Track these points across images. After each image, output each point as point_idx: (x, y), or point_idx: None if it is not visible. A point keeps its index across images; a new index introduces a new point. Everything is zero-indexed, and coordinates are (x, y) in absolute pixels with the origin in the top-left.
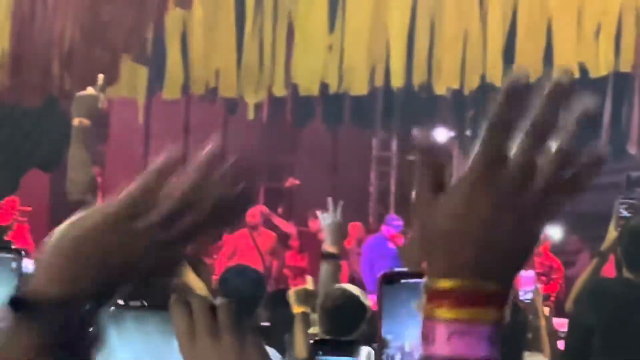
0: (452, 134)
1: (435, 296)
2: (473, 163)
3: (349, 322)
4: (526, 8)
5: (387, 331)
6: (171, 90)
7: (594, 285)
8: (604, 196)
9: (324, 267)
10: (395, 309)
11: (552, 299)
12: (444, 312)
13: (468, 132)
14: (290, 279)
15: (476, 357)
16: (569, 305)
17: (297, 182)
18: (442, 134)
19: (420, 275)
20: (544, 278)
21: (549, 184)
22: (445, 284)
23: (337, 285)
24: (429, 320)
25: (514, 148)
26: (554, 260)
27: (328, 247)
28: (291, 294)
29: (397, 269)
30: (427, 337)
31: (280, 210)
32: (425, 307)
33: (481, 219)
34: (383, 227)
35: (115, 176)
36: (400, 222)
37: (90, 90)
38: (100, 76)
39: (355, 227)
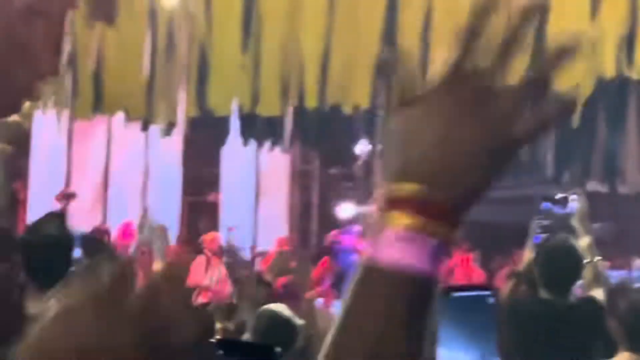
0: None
1: (388, 202)
2: (442, 75)
3: (280, 342)
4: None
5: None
6: (82, 110)
7: (512, 305)
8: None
9: (259, 291)
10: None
11: None
12: (394, 218)
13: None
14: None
15: (418, 268)
16: None
17: (219, 195)
18: (363, 148)
19: (473, 289)
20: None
21: (515, 103)
22: (399, 190)
23: (267, 307)
24: (379, 224)
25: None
26: (475, 271)
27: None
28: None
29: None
30: (373, 241)
31: (202, 224)
32: (377, 211)
33: (440, 125)
34: (346, 238)
35: (37, 190)
36: (359, 229)
37: (14, 117)
38: (27, 104)
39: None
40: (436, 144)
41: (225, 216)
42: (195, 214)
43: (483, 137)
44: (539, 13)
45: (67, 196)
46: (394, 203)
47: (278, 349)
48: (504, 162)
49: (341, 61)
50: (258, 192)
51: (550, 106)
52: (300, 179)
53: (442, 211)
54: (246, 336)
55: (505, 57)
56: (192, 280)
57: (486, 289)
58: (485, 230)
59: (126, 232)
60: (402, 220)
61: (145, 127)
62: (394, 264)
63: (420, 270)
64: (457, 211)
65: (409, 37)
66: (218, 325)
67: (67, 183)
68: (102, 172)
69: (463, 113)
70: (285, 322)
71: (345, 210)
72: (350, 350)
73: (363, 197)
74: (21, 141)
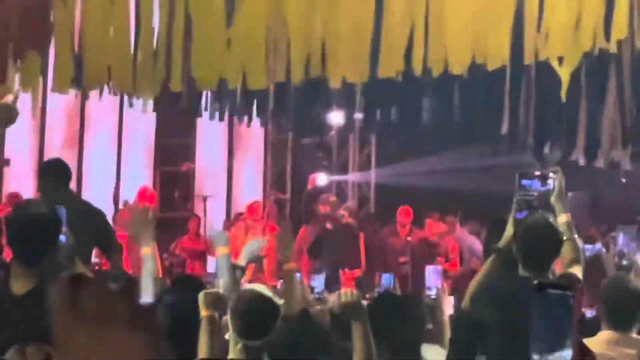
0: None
1: None
2: None
3: (262, 324)
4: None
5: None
6: (59, 84)
7: (491, 283)
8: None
9: (237, 274)
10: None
11: (449, 281)
12: None
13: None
14: (188, 262)
15: None
16: (465, 302)
17: (193, 166)
18: (337, 118)
19: (565, 287)
20: (441, 259)
21: None
22: None
23: (247, 287)
24: None
25: None
26: (450, 241)
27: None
28: (200, 296)
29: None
30: None
31: (176, 194)
32: None
33: None
34: (320, 208)
35: (14, 170)
36: (334, 198)
37: (5, 99)
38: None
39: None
40: None
41: (199, 186)
42: (169, 184)
43: None
44: None
45: None
46: None
47: None
48: None
49: (326, 34)
50: (231, 162)
51: None
52: (273, 148)
53: None
54: (225, 318)
55: None
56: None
57: (570, 289)
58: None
59: (144, 195)
60: None
61: (130, 103)
62: None
63: None
64: None
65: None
66: (204, 313)
67: (41, 157)
68: (77, 145)
69: None
70: (266, 303)
71: (318, 179)
72: None
73: (336, 167)
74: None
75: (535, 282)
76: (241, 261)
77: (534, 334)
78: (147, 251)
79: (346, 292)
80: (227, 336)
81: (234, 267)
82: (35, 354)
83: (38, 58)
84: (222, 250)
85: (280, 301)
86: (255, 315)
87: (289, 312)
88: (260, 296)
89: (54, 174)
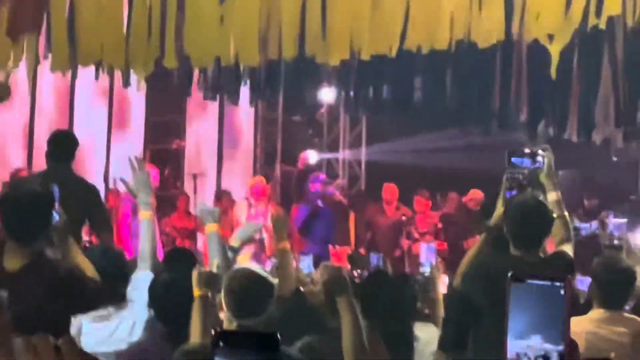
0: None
1: None
2: None
3: (256, 303)
4: None
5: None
6: (58, 63)
7: (482, 261)
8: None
9: (230, 255)
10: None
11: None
12: None
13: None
14: (178, 241)
15: None
16: (457, 280)
17: (183, 143)
18: (328, 95)
19: (548, 278)
20: (429, 237)
21: None
22: None
23: (241, 266)
24: None
25: None
26: (436, 219)
27: (232, 241)
28: (194, 275)
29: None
30: None
31: (167, 171)
32: None
33: None
34: (311, 186)
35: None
36: (324, 177)
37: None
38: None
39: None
40: None
41: (189, 164)
42: (159, 162)
43: None
44: None
45: None
46: None
47: (278, 336)
48: None
49: (319, 11)
50: (222, 140)
51: None
52: (263, 126)
53: None
54: (218, 298)
55: None
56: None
57: (560, 280)
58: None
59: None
60: None
61: (127, 82)
62: None
63: None
64: None
65: None
66: (197, 293)
67: (31, 135)
68: (67, 124)
69: None
70: (260, 282)
71: (309, 157)
72: None
73: (327, 145)
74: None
75: (510, 273)
76: (234, 242)
77: (513, 327)
78: (147, 215)
79: (326, 265)
80: (221, 315)
81: (226, 247)
82: (43, 346)
83: (34, 37)
84: (211, 227)
85: (274, 280)
86: (249, 294)
87: (283, 292)
88: (254, 275)
89: (58, 146)
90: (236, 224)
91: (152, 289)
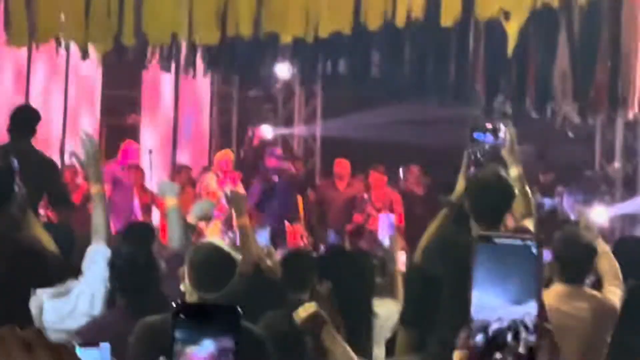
0: (292, 70)
1: None
2: None
3: (218, 277)
4: None
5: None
6: (16, 39)
7: (443, 236)
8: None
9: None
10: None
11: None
12: None
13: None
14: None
15: None
16: (417, 254)
17: (139, 118)
18: (283, 70)
19: (514, 236)
20: (386, 212)
21: None
22: None
23: (206, 240)
24: None
25: None
26: (392, 194)
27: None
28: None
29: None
30: None
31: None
32: None
33: None
34: (267, 160)
35: None
36: (280, 151)
37: None
38: None
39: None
40: None
41: (145, 138)
42: (114, 136)
43: None
44: None
45: None
46: None
47: (239, 309)
48: None
49: None
50: (177, 114)
51: None
52: (219, 101)
53: None
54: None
55: None
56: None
57: (531, 239)
58: (415, 151)
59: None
60: None
61: (84, 56)
62: None
63: None
64: None
65: None
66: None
67: None
68: (23, 97)
69: None
70: (223, 256)
71: (264, 132)
72: None
73: (282, 120)
74: None
75: (478, 234)
76: (191, 219)
77: (481, 292)
78: (97, 189)
79: (305, 308)
80: (182, 287)
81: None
82: (10, 338)
83: None
84: (171, 201)
85: (237, 256)
86: (212, 268)
87: (244, 267)
88: (218, 249)
89: (19, 120)
90: (211, 195)
91: (112, 262)
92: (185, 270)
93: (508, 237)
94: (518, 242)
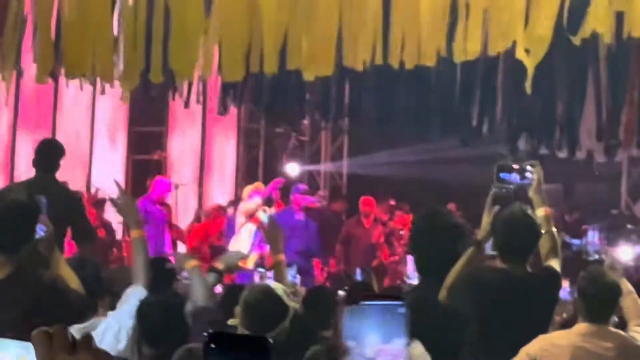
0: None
1: None
2: None
3: (269, 319)
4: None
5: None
6: (42, 75)
7: (470, 274)
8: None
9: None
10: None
11: None
12: None
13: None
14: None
15: None
16: (442, 293)
17: (165, 154)
18: (311, 107)
19: (382, 297)
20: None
21: None
22: None
23: (262, 283)
24: None
25: None
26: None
27: (218, 263)
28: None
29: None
30: None
31: (148, 182)
32: None
33: None
34: (292, 197)
35: None
36: (306, 187)
37: None
38: None
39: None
40: None
41: (171, 174)
42: (141, 172)
43: None
44: None
45: None
46: None
47: (270, 340)
48: None
49: (300, 27)
50: (204, 150)
51: None
52: (246, 137)
53: None
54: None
55: None
56: None
57: (398, 299)
58: (440, 189)
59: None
60: None
61: (102, 90)
62: None
63: None
64: None
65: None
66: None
67: (13, 147)
68: (50, 132)
69: None
70: (277, 300)
71: (291, 169)
72: None
73: (309, 156)
74: None
75: (344, 289)
76: (220, 265)
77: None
78: (137, 234)
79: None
80: (230, 322)
81: (206, 277)
82: (60, 336)
83: (13, 48)
84: (191, 264)
85: (291, 303)
86: (264, 311)
87: None
88: (271, 293)
89: (45, 155)
90: (255, 220)
91: (140, 308)
92: (239, 308)
93: (374, 298)
94: (385, 303)
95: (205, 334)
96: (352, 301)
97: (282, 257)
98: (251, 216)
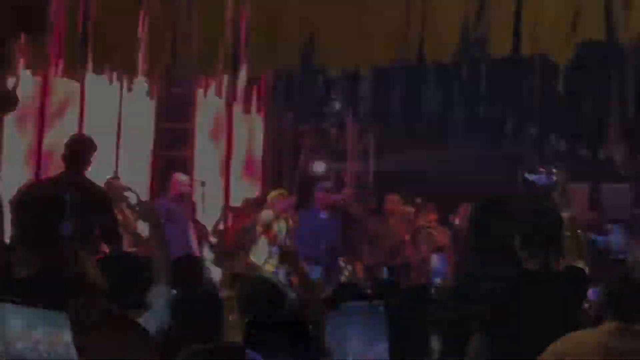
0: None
1: None
2: None
3: (266, 309)
4: None
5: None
6: (70, 70)
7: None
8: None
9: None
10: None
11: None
12: None
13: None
14: None
15: None
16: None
17: (192, 151)
18: (336, 105)
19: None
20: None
21: None
22: None
23: (256, 273)
24: None
25: None
26: (443, 232)
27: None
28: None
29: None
30: None
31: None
32: None
33: None
34: (316, 195)
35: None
36: (331, 185)
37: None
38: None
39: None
40: None
41: (197, 171)
42: (167, 168)
43: None
44: None
45: None
46: None
47: (310, 326)
48: None
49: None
50: (230, 147)
51: None
52: (272, 134)
53: None
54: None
55: None
56: None
57: (379, 298)
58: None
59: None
60: None
61: (129, 88)
62: None
63: None
64: None
65: None
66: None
67: (40, 143)
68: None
69: None
70: (272, 288)
71: (317, 167)
72: None
73: (335, 154)
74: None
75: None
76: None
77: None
78: (157, 236)
79: None
80: (230, 317)
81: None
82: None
83: (46, 44)
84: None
85: (291, 294)
86: (261, 301)
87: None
88: (267, 282)
89: (74, 151)
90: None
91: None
92: (235, 300)
93: (356, 297)
94: (364, 303)
95: (246, 321)
96: (337, 303)
97: (304, 270)
98: (267, 229)
